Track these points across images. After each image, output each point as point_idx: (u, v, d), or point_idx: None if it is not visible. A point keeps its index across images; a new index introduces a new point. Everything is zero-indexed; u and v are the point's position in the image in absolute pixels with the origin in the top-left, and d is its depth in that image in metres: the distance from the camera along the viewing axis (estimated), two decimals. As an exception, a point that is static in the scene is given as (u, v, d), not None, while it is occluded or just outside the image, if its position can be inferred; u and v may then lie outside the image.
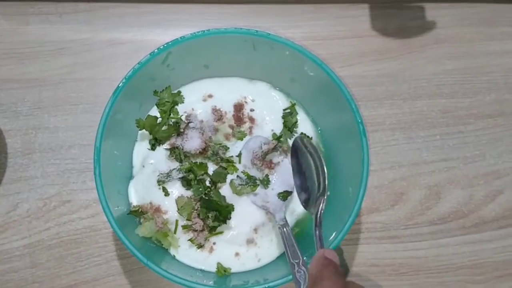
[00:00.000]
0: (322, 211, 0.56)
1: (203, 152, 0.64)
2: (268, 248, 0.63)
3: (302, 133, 0.68)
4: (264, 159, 0.65)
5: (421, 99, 0.80)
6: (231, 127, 0.68)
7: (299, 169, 0.63)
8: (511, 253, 0.73)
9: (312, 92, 0.67)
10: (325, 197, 0.56)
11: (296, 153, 0.63)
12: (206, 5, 0.82)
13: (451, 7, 0.85)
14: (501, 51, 0.84)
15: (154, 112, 0.67)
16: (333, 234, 0.58)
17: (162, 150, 0.65)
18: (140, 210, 0.63)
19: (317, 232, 0.54)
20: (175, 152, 0.64)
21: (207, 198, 0.62)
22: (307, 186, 0.61)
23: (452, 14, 0.85)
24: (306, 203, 0.60)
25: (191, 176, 0.62)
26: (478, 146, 0.78)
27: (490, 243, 0.73)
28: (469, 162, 0.77)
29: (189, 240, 0.62)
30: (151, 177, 0.64)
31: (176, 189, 0.63)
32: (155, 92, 0.66)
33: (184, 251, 0.62)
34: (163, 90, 0.67)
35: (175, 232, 0.62)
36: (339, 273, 0.49)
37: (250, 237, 0.63)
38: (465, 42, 0.84)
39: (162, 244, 0.62)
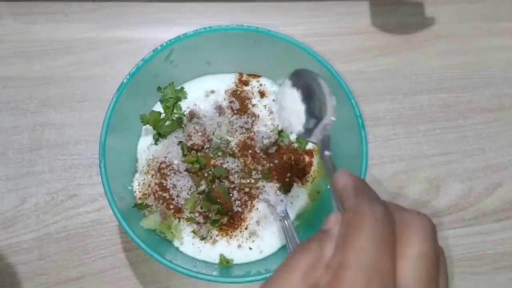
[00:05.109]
0: (329, 128, 0.48)
1: (205, 146, 0.66)
2: (270, 240, 0.65)
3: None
4: (265, 153, 0.67)
5: (421, 94, 0.81)
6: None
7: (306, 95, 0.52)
8: (510, 245, 0.74)
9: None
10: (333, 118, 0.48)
11: (299, 80, 0.53)
12: (208, 3, 0.84)
13: (450, 3, 0.86)
14: (500, 46, 0.84)
15: (158, 107, 0.68)
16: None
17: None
18: (144, 203, 0.64)
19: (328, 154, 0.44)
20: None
21: (209, 191, 0.63)
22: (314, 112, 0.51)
23: (451, 10, 0.86)
24: (309, 132, 0.51)
25: (194, 169, 0.64)
26: (478, 139, 0.79)
27: (489, 235, 0.74)
28: (469, 156, 0.78)
29: (192, 232, 0.64)
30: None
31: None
32: (159, 89, 0.68)
33: (188, 242, 0.64)
34: (166, 86, 0.68)
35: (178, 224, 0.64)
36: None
37: (252, 229, 0.65)
38: (465, 38, 0.85)
39: (166, 236, 0.63)
